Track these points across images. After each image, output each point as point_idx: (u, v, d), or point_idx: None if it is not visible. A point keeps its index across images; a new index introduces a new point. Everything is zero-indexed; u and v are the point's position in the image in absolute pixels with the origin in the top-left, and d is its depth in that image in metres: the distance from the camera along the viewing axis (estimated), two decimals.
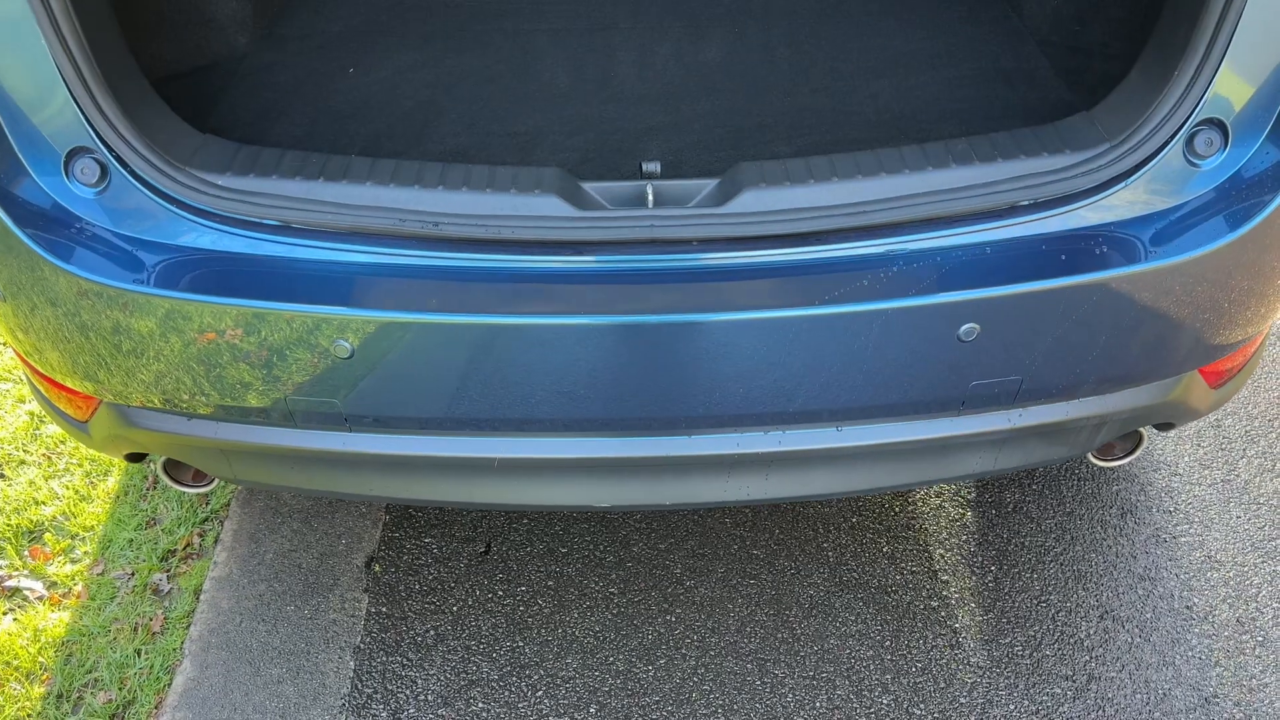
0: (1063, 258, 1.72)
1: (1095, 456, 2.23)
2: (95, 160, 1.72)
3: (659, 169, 1.87)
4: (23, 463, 2.89)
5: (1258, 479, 2.77)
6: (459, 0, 2.64)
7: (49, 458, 2.91)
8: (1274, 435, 2.89)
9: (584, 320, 1.68)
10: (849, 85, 2.29)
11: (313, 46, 2.45)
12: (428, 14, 2.58)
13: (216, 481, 2.19)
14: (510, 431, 1.84)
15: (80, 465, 2.89)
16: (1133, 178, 1.74)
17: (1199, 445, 2.86)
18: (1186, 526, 2.64)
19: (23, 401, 3.06)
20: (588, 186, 1.80)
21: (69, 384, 1.94)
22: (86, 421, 2.02)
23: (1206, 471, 2.80)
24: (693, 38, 2.48)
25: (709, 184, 1.81)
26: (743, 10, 2.57)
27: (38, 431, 2.97)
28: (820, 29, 2.50)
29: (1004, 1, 2.56)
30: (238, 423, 1.89)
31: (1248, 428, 2.92)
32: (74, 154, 1.71)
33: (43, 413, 2.81)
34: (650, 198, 1.79)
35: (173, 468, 2.15)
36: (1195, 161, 1.75)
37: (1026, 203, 1.73)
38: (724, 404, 1.78)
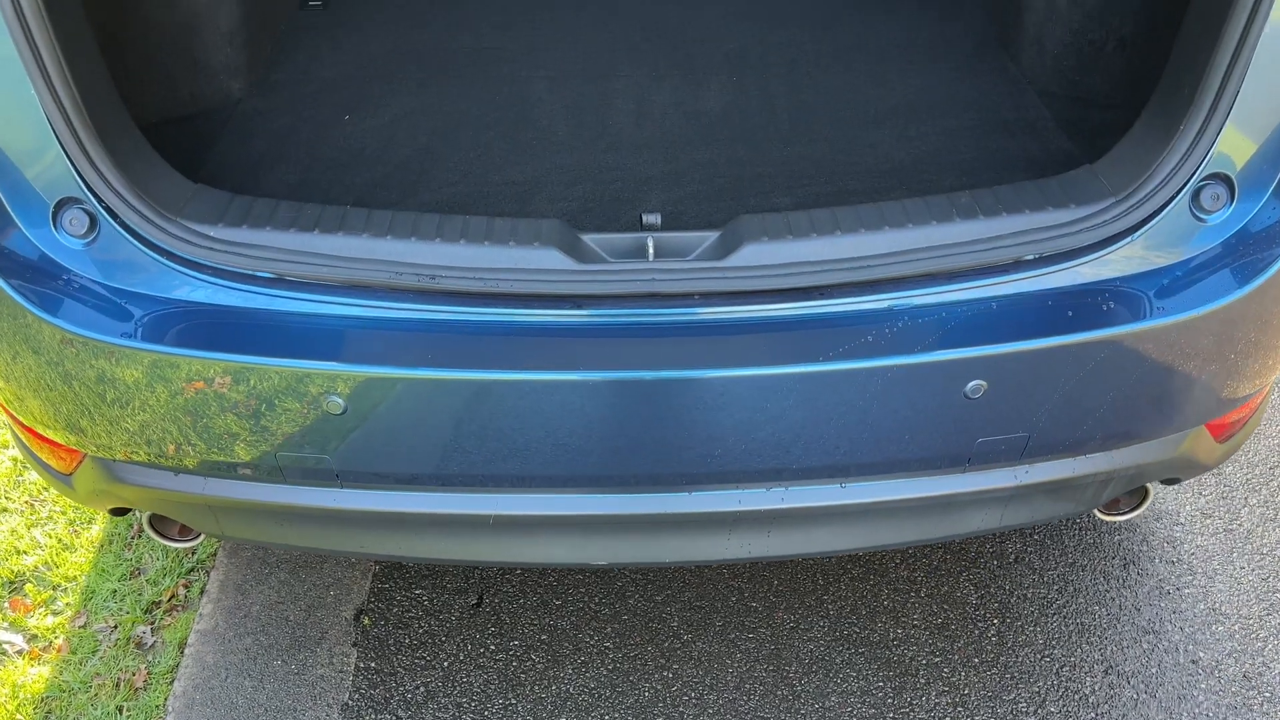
0: (1069, 314, 1.69)
1: (1101, 511, 2.20)
2: (84, 211, 1.68)
3: (659, 221, 1.85)
4: (4, 510, 2.83)
5: (1260, 528, 2.74)
6: (456, 47, 2.63)
7: (31, 505, 2.85)
8: (1275, 484, 2.86)
9: (583, 376, 1.64)
10: (849, 135, 2.28)
11: (308, 93, 2.42)
12: (424, 60, 2.56)
13: (202, 536, 2.14)
14: (506, 487, 1.80)
15: (64, 513, 2.83)
16: (1138, 233, 1.72)
17: (1200, 494, 2.83)
18: (1190, 578, 2.61)
19: (5, 447, 3.00)
20: (587, 238, 1.77)
21: (52, 436, 1.89)
22: (70, 475, 1.97)
23: (1208, 521, 2.77)
24: (691, 85, 2.47)
25: (710, 236, 1.78)
26: (741, 58, 2.57)
27: (20, 478, 2.91)
28: (819, 77, 2.49)
29: (1003, 51, 2.56)
30: (226, 478, 1.84)
31: (1248, 475, 2.89)
32: (62, 204, 1.68)
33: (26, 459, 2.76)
34: (650, 250, 1.76)
35: (158, 522, 2.10)
36: (1201, 216, 1.73)
37: (1031, 257, 1.71)
38: (725, 460, 1.75)
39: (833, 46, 2.61)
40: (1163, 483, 2.14)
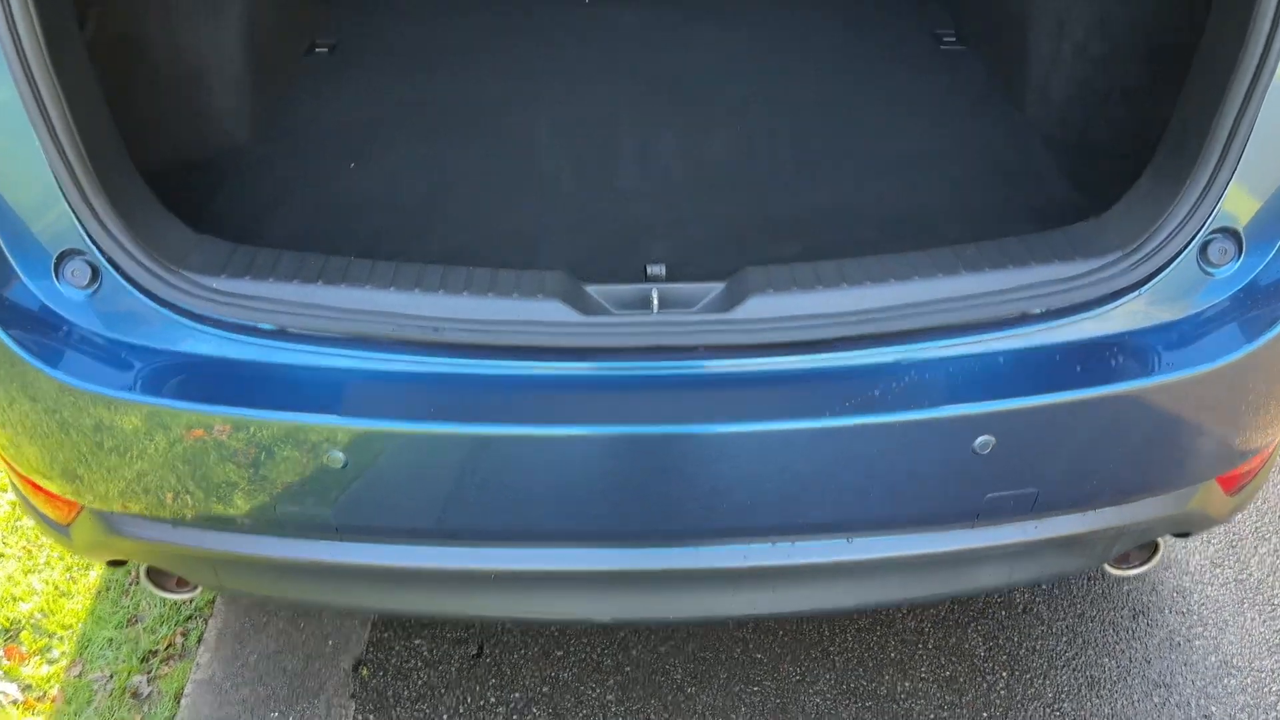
0: (1077, 368, 1.68)
1: (1111, 566, 2.17)
2: (86, 262, 1.67)
3: (663, 272, 1.84)
4: (1, 556, 2.80)
5: (1270, 578, 2.70)
6: (461, 94, 2.63)
7: (29, 550, 2.83)
8: None
9: (587, 430, 1.63)
10: (854, 184, 2.28)
11: (313, 140, 2.43)
12: (430, 108, 2.56)
13: (200, 588, 2.11)
14: (508, 542, 1.78)
15: (61, 559, 2.80)
16: (1145, 287, 1.71)
17: (1209, 543, 2.80)
18: (1201, 629, 2.57)
19: (3, 491, 2.97)
20: (591, 290, 1.77)
21: (49, 487, 1.87)
22: (67, 526, 1.95)
23: (1218, 570, 2.73)
24: (695, 133, 2.47)
25: (715, 288, 1.77)
26: (745, 106, 2.57)
27: (17, 523, 2.88)
28: (824, 124, 2.49)
29: (1007, 99, 2.56)
30: (224, 531, 1.81)
31: (1257, 524, 2.86)
32: (65, 256, 1.67)
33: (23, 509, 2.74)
34: (655, 302, 1.75)
35: (155, 573, 2.07)
36: (1209, 270, 1.72)
37: (1038, 311, 1.70)
38: (730, 515, 1.73)
39: (837, 94, 2.62)
40: (1174, 535, 2.11)
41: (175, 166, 2.32)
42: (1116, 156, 2.30)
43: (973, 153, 2.37)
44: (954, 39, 2.84)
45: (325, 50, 2.82)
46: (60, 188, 1.62)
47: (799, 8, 3.04)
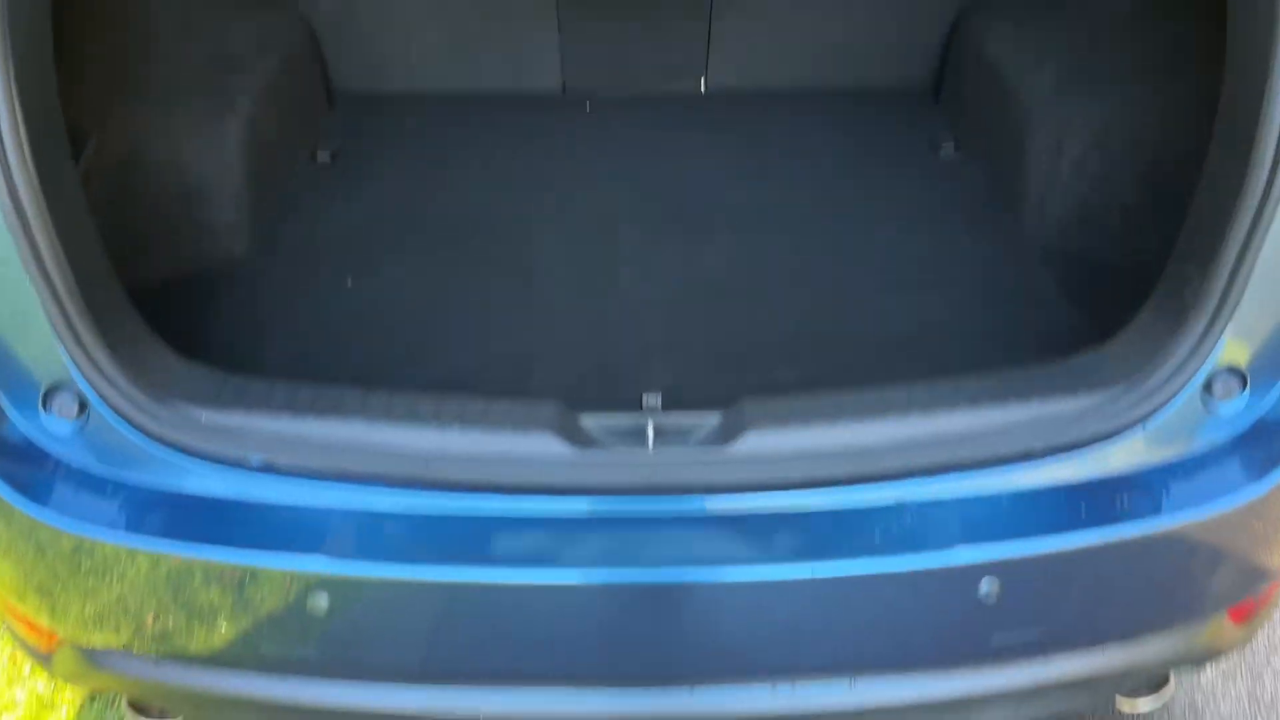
0: (1082, 509, 1.64)
1: (1122, 698, 2.11)
2: (74, 394, 1.65)
3: (659, 402, 1.82)
4: None
5: None
6: (460, 206, 2.63)
7: (14, 660, 2.77)
8: None
9: (580, 576, 1.59)
10: (852, 302, 2.26)
11: (311, 254, 2.43)
12: (429, 220, 2.56)
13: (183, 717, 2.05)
14: (496, 683, 1.73)
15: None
16: (1149, 423, 1.68)
17: (1222, 656, 2.73)
18: None
19: None
20: (585, 420, 1.74)
21: (31, 618, 1.83)
22: (49, 655, 1.90)
23: (1230, 685, 2.66)
24: (693, 244, 2.46)
25: (711, 419, 1.74)
26: (743, 218, 2.56)
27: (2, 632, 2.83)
28: (821, 238, 2.48)
29: (1005, 213, 2.55)
30: (206, 668, 1.77)
31: (1270, 637, 2.79)
32: (53, 388, 1.65)
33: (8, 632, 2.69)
34: (650, 435, 1.72)
35: (137, 704, 2.02)
36: (1213, 407, 1.69)
37: (1041, 448, 1.67)
38: (726, 658, 1.68)
39: (834, 206, 2.62)
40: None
41: (171, 281, 2.31)
42: (1117, 275, 2.30)
43: (971, 269, 2.36)
44: (951, 147, 2.85)
45: (327, 158, 2.84)
46: (49, 320, 1.61)
47: (796, 114, 3.06)
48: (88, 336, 1.64)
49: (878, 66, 3.11)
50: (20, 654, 2.77)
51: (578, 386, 2.01)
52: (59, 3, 1.76)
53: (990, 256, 2.40)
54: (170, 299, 2.28)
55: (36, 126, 1.57)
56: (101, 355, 1.65)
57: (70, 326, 1.62)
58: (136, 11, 2.43)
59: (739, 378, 2.03)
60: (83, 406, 1.65)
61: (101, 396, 1.65)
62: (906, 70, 3.13)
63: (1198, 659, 1.98)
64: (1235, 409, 1.69)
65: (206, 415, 1.69)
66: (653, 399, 1.81)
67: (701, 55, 3.13)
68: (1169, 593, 1.76)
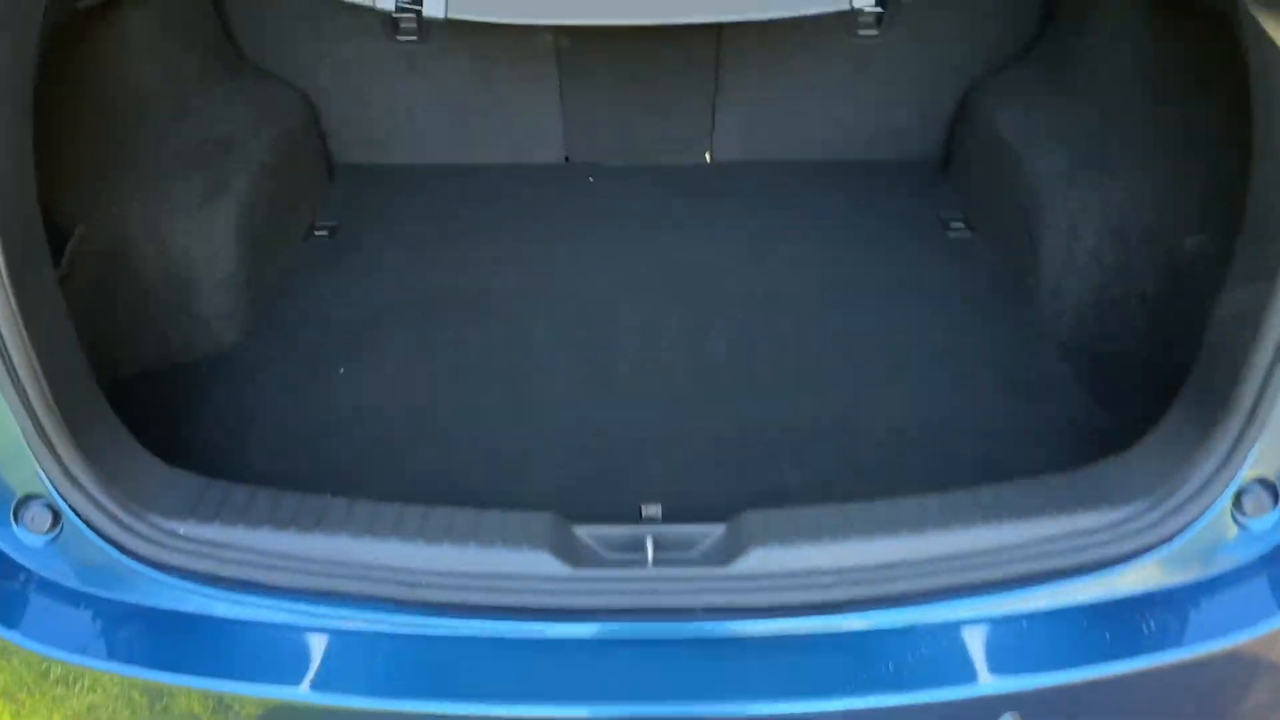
0: (1106, 636, 1.55)
1: None
2: (47, 506, 1.58)
3: (659, 513, 1.74)
4: None
5: None
6: (460, 284, 2.55)
7: None
8: None
9: (569, 709, 1.50)
10: (860, 391, 2.18)
11: (304, 340, 2.35)
12: (427, 300, 2.49)
13: None
14: None
15: None
16: (1175, 541, 1.59)
17: None
18: None
19: None
20: (581, 532, 1.66)
21: None
22: None
23: None
24: (696, 330, 2.38)
25: (713, 531, 1.66)
26: (747, 297, 2.48)
27: None
28: (827, 320, 2.40)
29: (1018, 295, 2.47)
30: None
31: None
32: (25, 500, 1.58)
33: None
34: (649, 550, 1.63)
35: None
36: (1243, 523, 1.61)
37: (1061, 568, 1.58)
38: None
39: (841, 285, 2.54)
40: None
41: (158, 372, 2.25)
42: (1137, 367, 2.21)
43: (985, 358, 2.27)
44: (962, 224, 2.78)
45: (325, 234, 2.77)
46: (20, 430, 1.54)
47: (804, 186, 3.00)
48: (62, 446, 1.58)
49: (886, 141, 3.06)
50: None
51: (574, 489, 1.92)
52: (44, 90, 1.72)
53: (1004, 344, 2.32)
54: (157, 390, 2.22)
55: (13, 235, 1.52)
56: (76, 465, 1.59)
57: (43, 436, 1.56)
58: (127, 94, 2.38)
59: (742, 479, 1.94)
60: (56, 519, 1.59)
61: (75, 509, 1.58)
62: (915, 144, 3.07)
63: None
64: (1266, 525, 1.60)
65: (185, 528, 1.62)
66: (652, 509, 1.73)
67: (707, 128, 3.08)
68: None
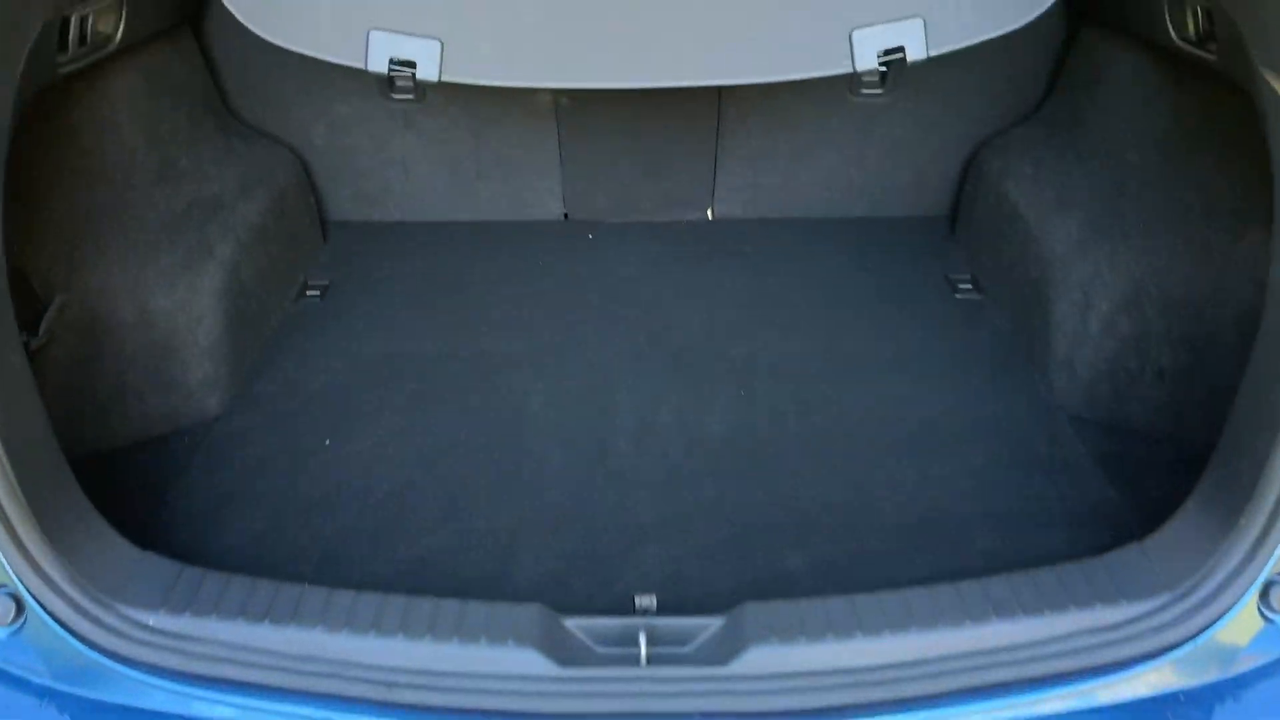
0: None
1: None
2: (10, 595, 1.51)
3: (654, 603, 1.64)
4: None
5: None
6: (452, 350, 2.48)
7: None
8: None
9: None
10: (865, 470, 2.08)
11: (290, 410, 2.27)
12: (417, 367, 2.41)
13: None
14: None
15: None
16: (1200, 638, 1.50)
17: None
18: None
19: None
20: (571, 624, 1.57)
21: None
22: None
23: None
24: (696, 404, 2.29)
25: (711, 625, 1.57)
26: (749, 370, 2.39)
27: None
28: (832, 393, 2.31)
29: (1030, 367, 2.38)
30: None
31: None
32: None
33: None
34: (643, 645, 1.54)
35: None
36: (1271, 618, 1.52)
37: (1080, 669, 1.49)
38: None
39: (845, 357, 2.45)
40: None
41: (141, 442, 2.17)
42: (1154, 444, 2.13)
43: (995, 433, 2.17)
44: (970, 286, 2.71)
45: (316, 294, 2.71)
46: None
47: (808, 244, 2.94)
48: (25, 532, 1.51)
49: (891, 199, 3.00)
50: None
51: (564, 575, 1.83)
52: (26, 155, 1.66)
53: (1015, 418, 2.22)
54: (136, 464, 2.14)
55: None
56: (41, 553, 1.52)
57: (5, 523, 1.50)
58: (112, 156, 2.32)
59: (743, 565, 1.85)
60: (19, 609, 1.51)
61: (38, 599, 1.51)
62: (920, 202, 3.01)
63: None
64: None
65: (155, 619, 1.54)
66: (646, 599, 1.64)
67: (708, 186, 3.03)
68: None
